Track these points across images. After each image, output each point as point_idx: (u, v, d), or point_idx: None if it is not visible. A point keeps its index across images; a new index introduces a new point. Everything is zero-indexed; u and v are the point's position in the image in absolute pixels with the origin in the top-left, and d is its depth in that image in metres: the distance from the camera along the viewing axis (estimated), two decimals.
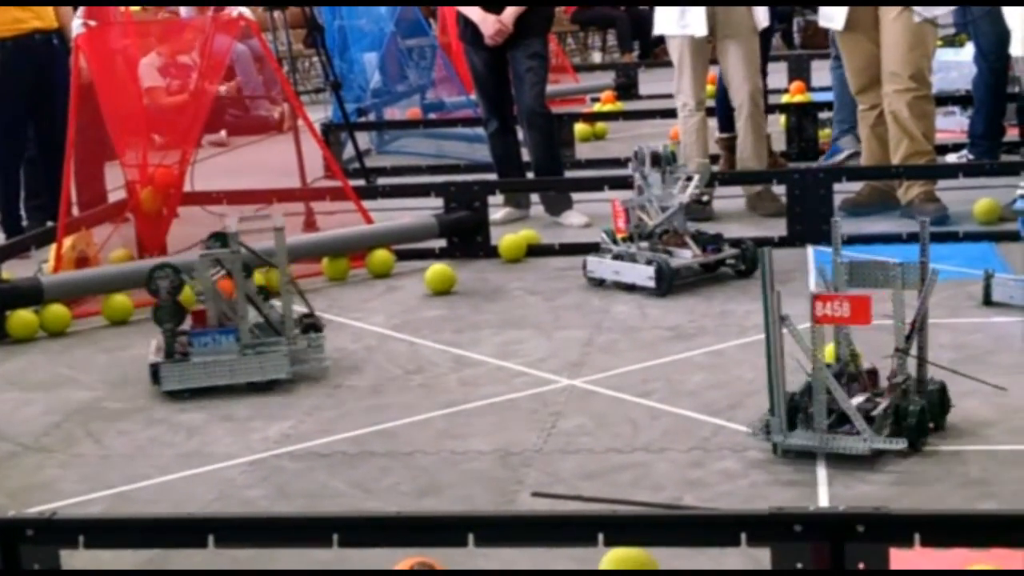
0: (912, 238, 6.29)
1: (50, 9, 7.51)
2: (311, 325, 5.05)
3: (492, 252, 6.60)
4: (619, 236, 5.87)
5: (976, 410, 4.16)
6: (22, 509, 3.60)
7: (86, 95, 6.67)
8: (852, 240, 6.40)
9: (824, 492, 3.62)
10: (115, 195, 7.56)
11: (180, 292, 4.94)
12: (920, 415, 3.85)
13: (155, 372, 4.83)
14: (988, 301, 5.25)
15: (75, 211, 7.21)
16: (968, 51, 9.35)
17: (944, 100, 9.03)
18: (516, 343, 5.22)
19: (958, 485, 3.62)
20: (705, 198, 6.31)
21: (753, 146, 7.16)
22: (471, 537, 2.59)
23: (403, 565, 2.80)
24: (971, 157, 7.73)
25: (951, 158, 8.03)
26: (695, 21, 6.99)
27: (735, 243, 6.03)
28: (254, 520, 2.83)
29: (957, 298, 5.35)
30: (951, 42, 9.70)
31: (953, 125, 9.30)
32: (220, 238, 4.98)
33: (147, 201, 6.71)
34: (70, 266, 6.20)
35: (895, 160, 6.82)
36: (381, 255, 6.45)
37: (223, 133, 11.68)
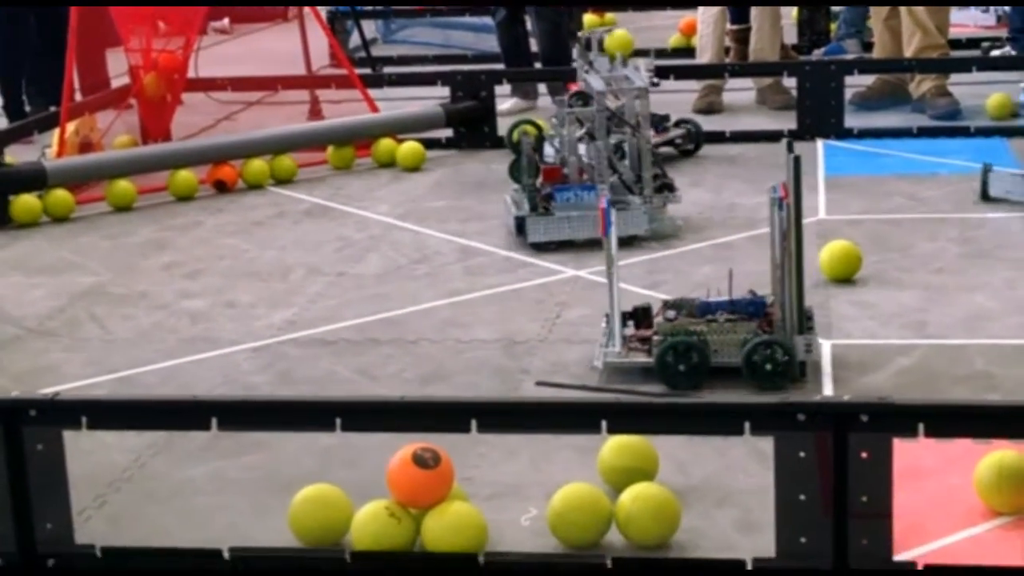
0: (923, 132, 6.28)
1: None
2: (665, 185, 5.08)
3: (498, 142, 6.54)
4: None
5: (983, 304, 4.15)
6: (26, 392, 3.60)
7: None
8: (862, 134, 6.37)
9: (828, 385, 3.62)
10: (118, 82, 7.50)
11: (541, 148, 5.10)
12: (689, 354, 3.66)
13: (520, 225, 4.94)
14: (986, 196, 5.17)
15: (78, 97, 7.14)
16: None
17: None
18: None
19: (962, 378, 3.62)
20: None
21: (769, 35, 7.10)
22: (474, 423, 2.58)
23: (407, 450, 2.79)
24: (1013, 53, 7.62)
25: (995, 54, 7.90)
26: None
27: (680, 122, 6.20)
28: (257, 403, 2.82)
29: (962, 192, 5.31)
30: None
31: (967, 19, 9.18)
32: (581, 96, 5.03)
33: (151, 86, 6.65)
34: (74, 151, 6.16)
35: (908, 53, 6.74)
36: (389, 145, 6.40)
37: (226, 21, 11.54)
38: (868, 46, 7.88)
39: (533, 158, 5.02)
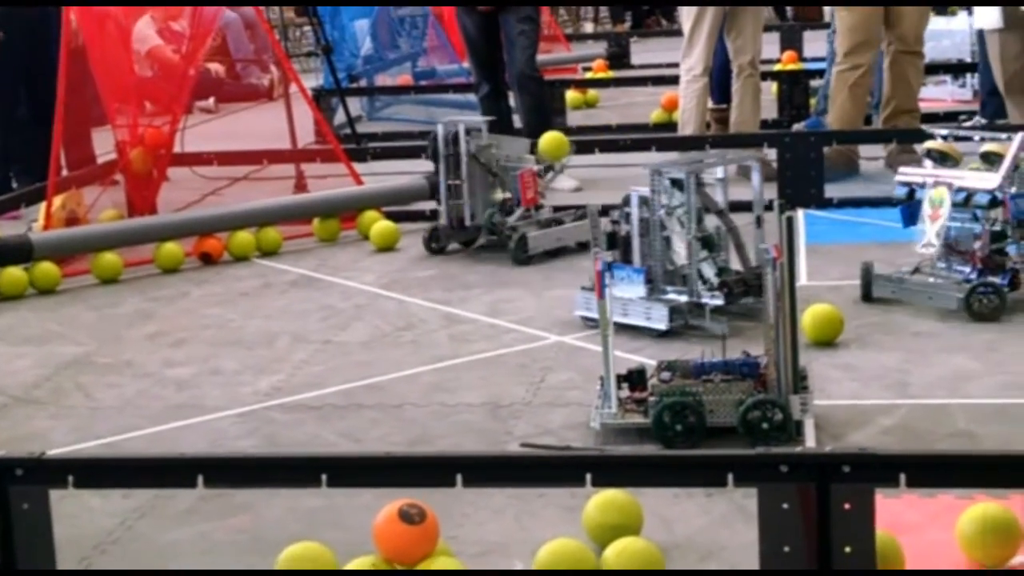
0: (901, 202, 6.33)
1: None
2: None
3: None
4: (525, 206, 5.87)
5: (963, 365, 4.18)
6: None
7: (76, 57, 6.64)
8: (842, 203, 6.44)
9: (811, 442, 3.63)
10: (104, 158, 7.54)
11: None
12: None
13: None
14: (867, 297, 4.88)
15: (64, 172, 7.19)
16: (960, 20, 9.37)
17: (936, 69, 9.05)
18: (506, 302, 5.23)
19: (945, 436, 3.64)
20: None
21: (751, 108, 7.21)
22: (459, 477, 2.60)
23: (392, 506, 2.80)
24: (983, 120, 7.74)
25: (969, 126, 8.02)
26: None
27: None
28: (243, 460, 2.83)
29: None
30: (943, 11, 9.70)
31: (944, 94, 9.31)
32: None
33: (137, 161, 6.69)
34: (60, 225, 6.19)
35: (882, 114, 7.05)
36: (372, 216, 6.45)
37: (212, 100, 11.64)
38: None
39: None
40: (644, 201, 4.68)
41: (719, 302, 4.58)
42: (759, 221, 4.80)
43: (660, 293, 4.67)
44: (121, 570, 3.13)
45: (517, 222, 5.83)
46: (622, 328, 4.51)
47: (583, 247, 5.75)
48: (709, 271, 4.64)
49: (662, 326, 4.58)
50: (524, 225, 5.83)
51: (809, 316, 4.43)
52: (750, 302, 4.65)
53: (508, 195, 5.90)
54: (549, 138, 6.27)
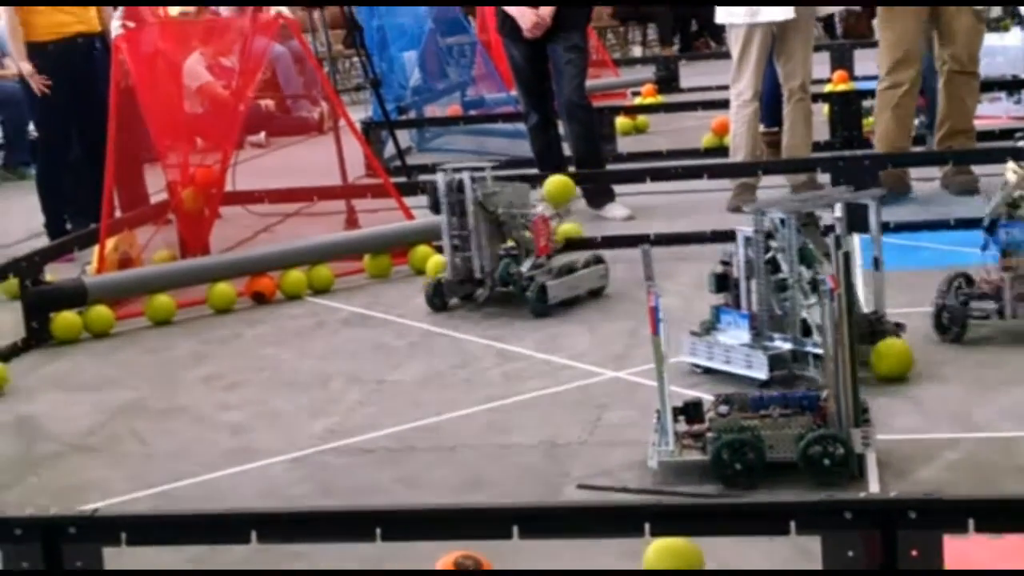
0: (960, 224, 6.24)
1: (92, 11, 7.56)
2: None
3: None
4: (539, 255, 5.59)
5: None
6: (65, 508, 3.59)
7: (127, 97, 6.68)
8: (899, 228, 6.34)
9: (875, 482, 3.56)
10: (156, 198, 7.58)
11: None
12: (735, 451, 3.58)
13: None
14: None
15: (117, 213, 7.23)
16: (1014, 36, 9.25)
17: (990, 86, 8.92)
18: (560, 336, 5.18)
19: (1011, 470, 3.56)
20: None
21: (803, 132, 7.13)
22: (515, 529, 2.55)
23: (448, 558, 2.76)
24: None
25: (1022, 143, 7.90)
26: (776, 6, 6.94)
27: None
28: (296, 515, 2.80)
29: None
30: (996, 27, 9.58)
31: (999, 111, 9.19)
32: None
33: (189, 201, 6.71)
34: (113, 267, 6.22)
35: (937, 135, 6.94)
36: (423, 251, 6.42)
37: (263, 135, 11.70)
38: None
39: None
40: (750, 242, 4.42)
41: (821, 351, 4.13)
42: (876, 264, 4.51)
43: (766, 339, 4.43)
44: None
45: (532, 271, 5.56)
46: (726, 376, 4.41)
47: (594, 295, 5.66)
48: (816, 317, 4.24)
49: (762, 375, 4.34)
50: (539, 274, 5.55)
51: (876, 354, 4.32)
52: (864, 349, 4.23)
53: (514, 244, 5.62)
54: (554, 182, 5.97)
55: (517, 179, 6.18)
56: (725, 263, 4.56)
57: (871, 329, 4.42)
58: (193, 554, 3.38)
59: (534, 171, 7.48)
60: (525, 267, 5.58)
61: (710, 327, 4.59)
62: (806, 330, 4.31)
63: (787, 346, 4.38)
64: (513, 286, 5.57)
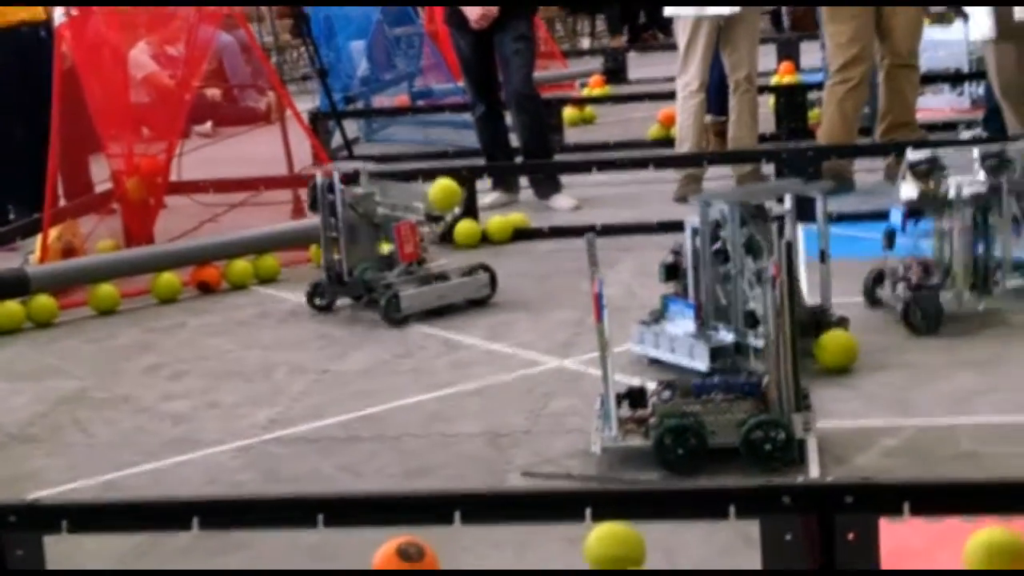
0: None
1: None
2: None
3: (482, 237, 6.56)
4: (404, 261, 5.43)
5: (966, 383, 4.15)
6: (8, 498, 3.57)
7: (69, 80, 6.62)
8: (841, 218, 6.39)
9: (815, 467, 3.60)
10: (102, 188, 7.52)
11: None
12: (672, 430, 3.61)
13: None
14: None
15: (61, 202, 7.17)
16: (956, 29, 9.34)
17: (933, 78, 9.03)
18: (505, 325, 5.20)
19: (949, 458, 3.60)
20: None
21: (748, 123, 7.19)
22: (457, 515, 2.57)
23: (391, 545, 2.76)
24: (985, 134, 7.71)
25: (965, 135, 7.98)
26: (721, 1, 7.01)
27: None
28: (238, 502, 2.80)
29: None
30: (940, 20, 9.68)
31: (942, 104, 9.28)
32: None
33: (133, 190, 6.67)
34: (56, 257, 6.17)
35: (879, 128, 7.03)
36: None
37: (209, 124, 11.63)
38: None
39: None
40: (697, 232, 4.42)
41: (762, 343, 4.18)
42: (823, 256, 4.59)
43: (711, 330, 4.42)
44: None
45: (397, 278, 5.37)
46: (669, 366, 4.42)
47: (475, 304, 5.42)
48: (760, 309, 4.24)
49: (703, 367, 4.33)
50: (402, 282, 5.36)
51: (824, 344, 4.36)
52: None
53: (393, 248, 5.46)
54: (438, 187, 5.67)
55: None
56: (676, 252, 4.58)
57: (815, 320, 4.46)
58: (136, 542, 3.37)
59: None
60: (393, 274, 5.39)
61: (659, 316, 4.62)
62: (753, 322, 4.30)
63: (730, 337, 4.39)
64: (373, 293, 5.39)
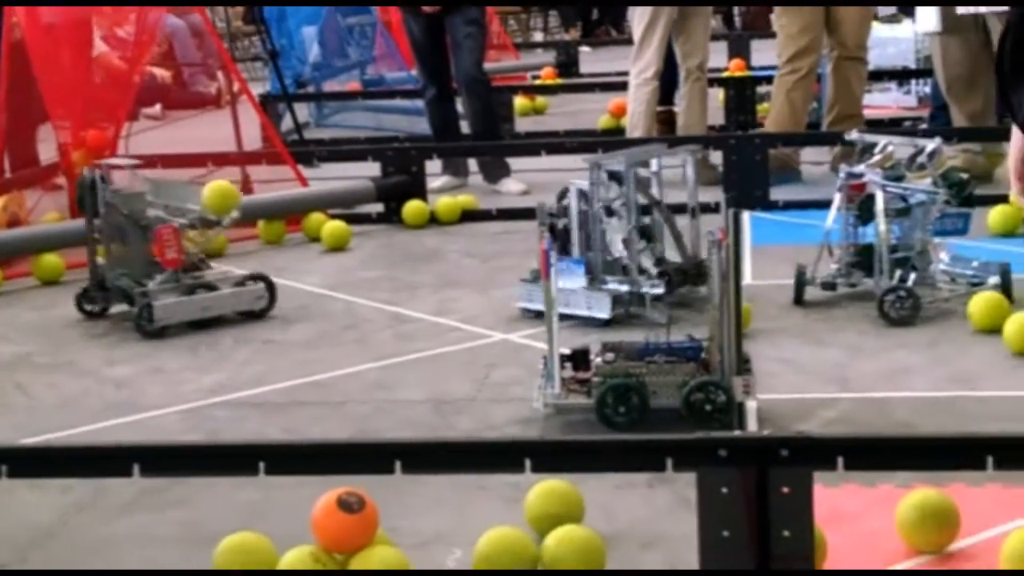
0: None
1: None
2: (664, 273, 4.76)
3: (430, 218, 6.58)
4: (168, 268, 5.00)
5: (903, 359, 4.21)
6: None
7: (17, 52, 6.58)
8: (788, 206, 6.47)
9: (754, 430, 3.64)
10: (47, 162, 7.47)
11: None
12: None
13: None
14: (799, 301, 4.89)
15: (7, 174, 7.11)
16: (904, 27, 9.46)
17: (881, 75, 9.13)
18: (452, 301, 5.22)
19: (885, 428, 3.66)
20: None
21: (698, 111, 7.26)
22: (398, 464, 2.58)
23: (331, 495, 2.78)
24: None
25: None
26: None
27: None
28: (180, 448, 2.81)
29: None
30: (890, 20, 9.79)
31: (890, 101, 9.40)
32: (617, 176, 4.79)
33: (80, 163, 6.62)
34: (1, 227, 6.13)
35: (826, 119, 7.13)
36: (317, 219, 6.42)
37: (158, 107, 11.56)
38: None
39: None
40: (583, 194, 4.75)
41: (660, 291, 4.68)
42: (693, 212, 4.98)
43: (601, 284, 4.73)
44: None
45: (157, 287, 4.97)
46: (565, 319, 4.47)
47: (249, 316, 5.08)
48: (648, 262, 4.79)
49: (604, 315, 4.64)
50: (161, 291, 4.96)
51: None
52: (689, 291, 4.85)
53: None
54: (213, 189, 5.25)
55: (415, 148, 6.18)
56: (553, 215, 4.75)
57: (698, 271, 4.79)
58: (76, 498, 3.36)
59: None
60: (155, 282, 4.99)
61: (539, 275, 4.69)
62: (641, 273, 4.71)
63: (624, 287, 4.70)
64: (130, 301, 5.02)
